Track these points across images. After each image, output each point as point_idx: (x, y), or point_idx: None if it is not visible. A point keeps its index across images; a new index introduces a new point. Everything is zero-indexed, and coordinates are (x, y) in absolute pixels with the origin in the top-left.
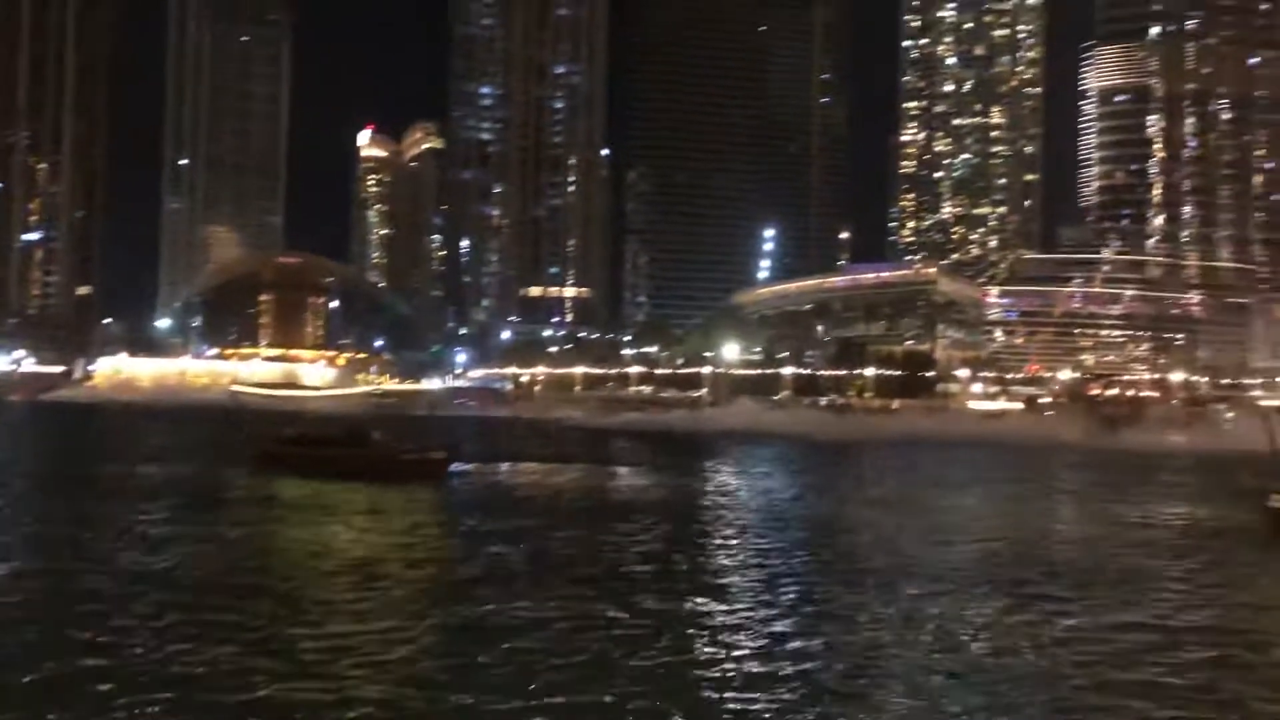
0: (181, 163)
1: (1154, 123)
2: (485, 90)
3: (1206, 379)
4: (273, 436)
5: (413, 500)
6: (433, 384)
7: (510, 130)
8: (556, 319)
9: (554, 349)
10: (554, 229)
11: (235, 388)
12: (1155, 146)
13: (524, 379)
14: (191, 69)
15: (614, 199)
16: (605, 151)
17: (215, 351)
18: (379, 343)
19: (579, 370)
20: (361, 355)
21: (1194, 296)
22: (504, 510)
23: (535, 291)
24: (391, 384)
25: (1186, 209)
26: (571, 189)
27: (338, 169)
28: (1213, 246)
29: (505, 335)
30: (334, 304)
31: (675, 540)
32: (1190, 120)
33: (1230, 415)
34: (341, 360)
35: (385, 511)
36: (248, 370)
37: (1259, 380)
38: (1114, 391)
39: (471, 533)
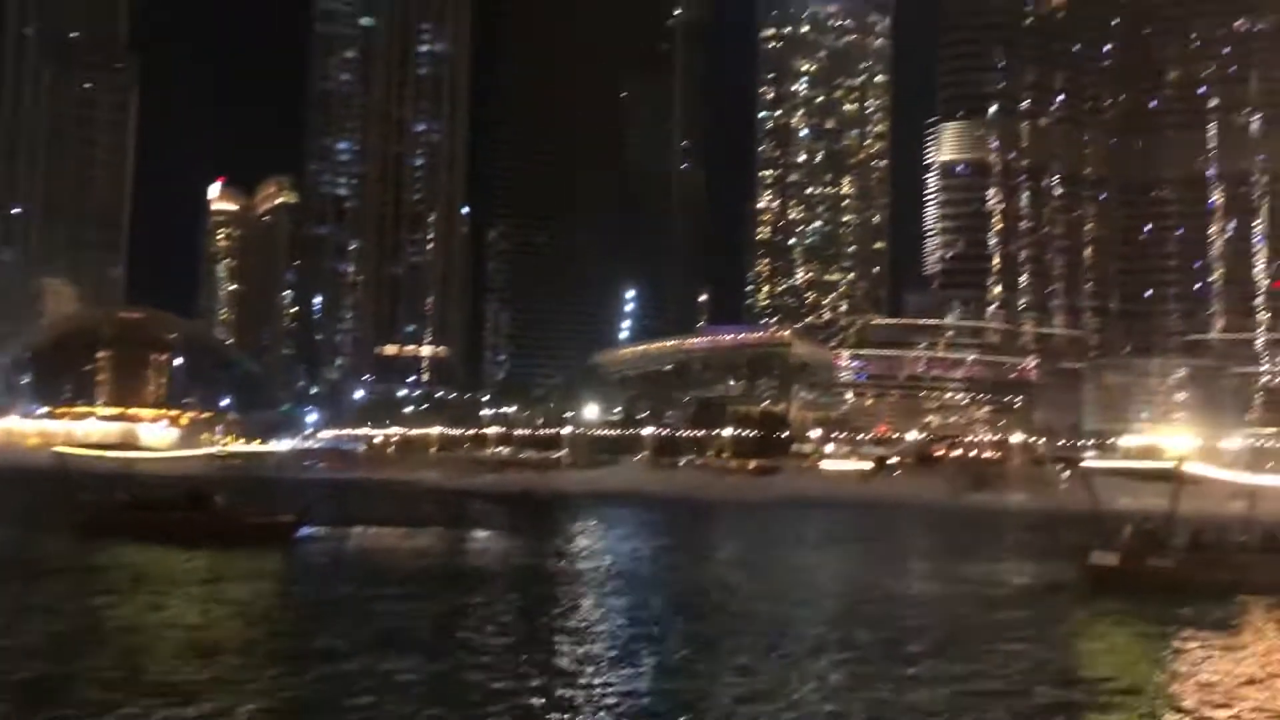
0: (15, 211)
1: (992, 196)
2: (343, 146)
3: (1043, 440)
4: (104, 500)
5: (257, 567)
6: (282, 445)
7: (368, 186)
8: (412, 378)
9: (409, 409)
10: (412, 286)
11: (61, 448)
12: (994, 219)
13: (377, 440)
14: (28, 114)
15: (474, 257)
16: (465, 209)
17: (47, 410)
18: (225, 401)
19: (435, 431)
20: (206, 414)
21: (1031, 361)
22: (353, 577)
23: (391, 350)
24: (238, 444)
25: (1023, 278)
26: (430, 246)
27: (186, 222)
28: (1047, 314)
29: (359, 395)
30: (177, 361)
31: (527, 607)
32: (1025, 194)
33: (1065, 475)
34: (184, 420)
35: (226, 579)
36: (82, 430)
37: (1091, 442)
38: (958, 452)
39: (316, 602)
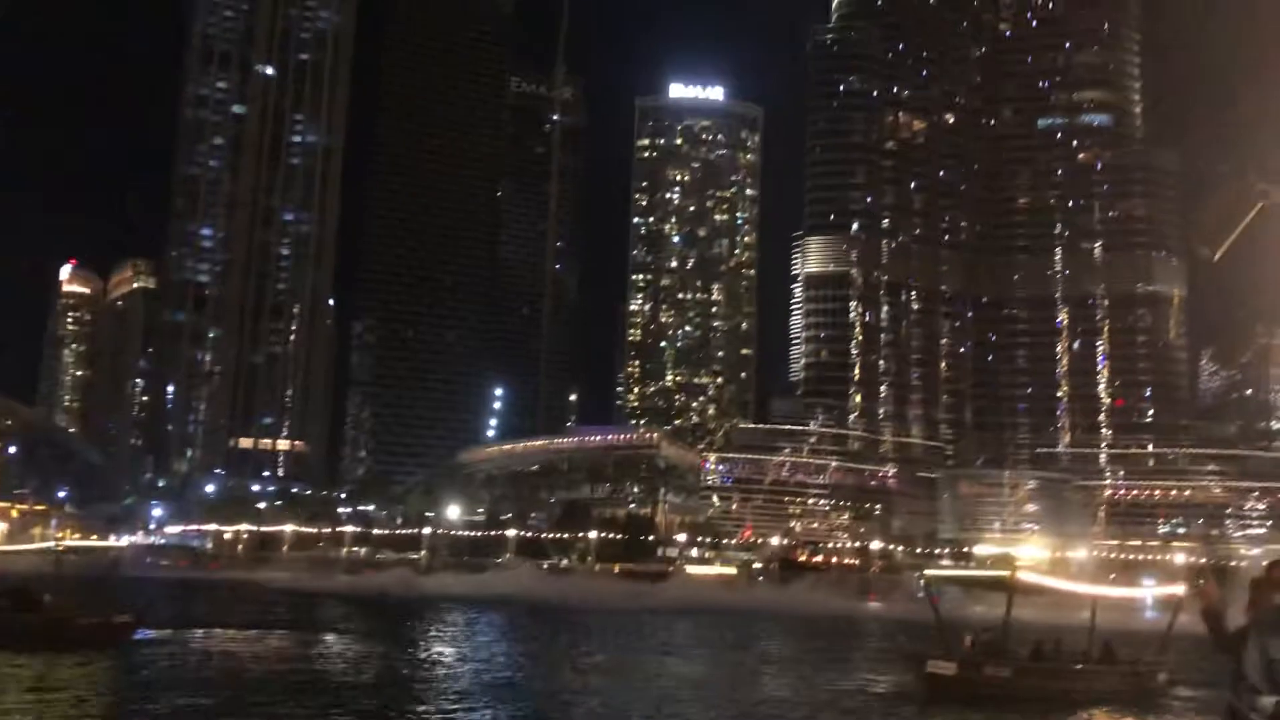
0: None
1: (854, 308)
2: (207, 232)
3: (900, 548)
4: None
5: (87, 672)
6: (123, 540)
7: (231, 274)
8: (267, 473)
9: (262, 505)
10: (271, 377)
11: None
12: (855, 330)
13: (226, 537)
14: None
15: (339, 350)
16: (332, 301)
17: None
18: (63, 493)
19: (288, 528)
20: (41, 507)
21: (890, 469)
22: (191, 685)
23: (246, 443)
24: (75, 539)
25: (883, 388)
26: (293, 337)
27: (34, 305)
28: (906, 424)
29: (209, 489)
30: (11, 449)
31: (376, 717)
32: (886, 308)
33: (920, 582)
34: (15, 512)
35: (52, 686)
36: None
37: (946, 550)
38: (819, 558)
39: (148, 713)
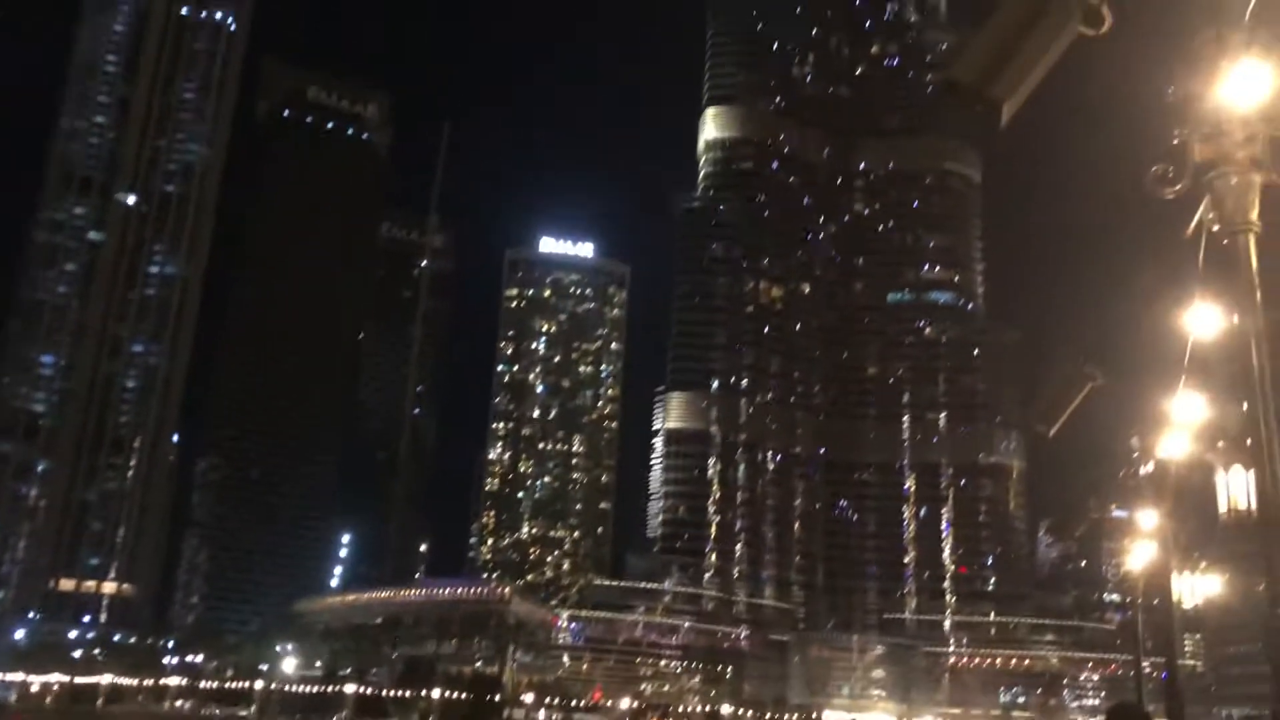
0: None
1: (712, 466)
2: (47, 359)
3: (750, 712)
4: None
5: None
6: None
7: (70, 404)
8: (88, 618)
9: (79, 653)
10: (102, 515)
11: None
12: (712, 488)
13: (34, 687)
14: None
15: (178, 488)
16: (176, 437)
17: None
18: None
19: (105, 679)
20: None
21: (742, 631)
22: None
23: (67, 584)
24: None
25: (738, 548)
26: (130, 474)
27: None
28: (759, 585)
29: (19, 635)
30: None
31: None
32: (742, 467)
33: None
34: None
35: None
36: None
37: (795, 715)
38: None
39: None
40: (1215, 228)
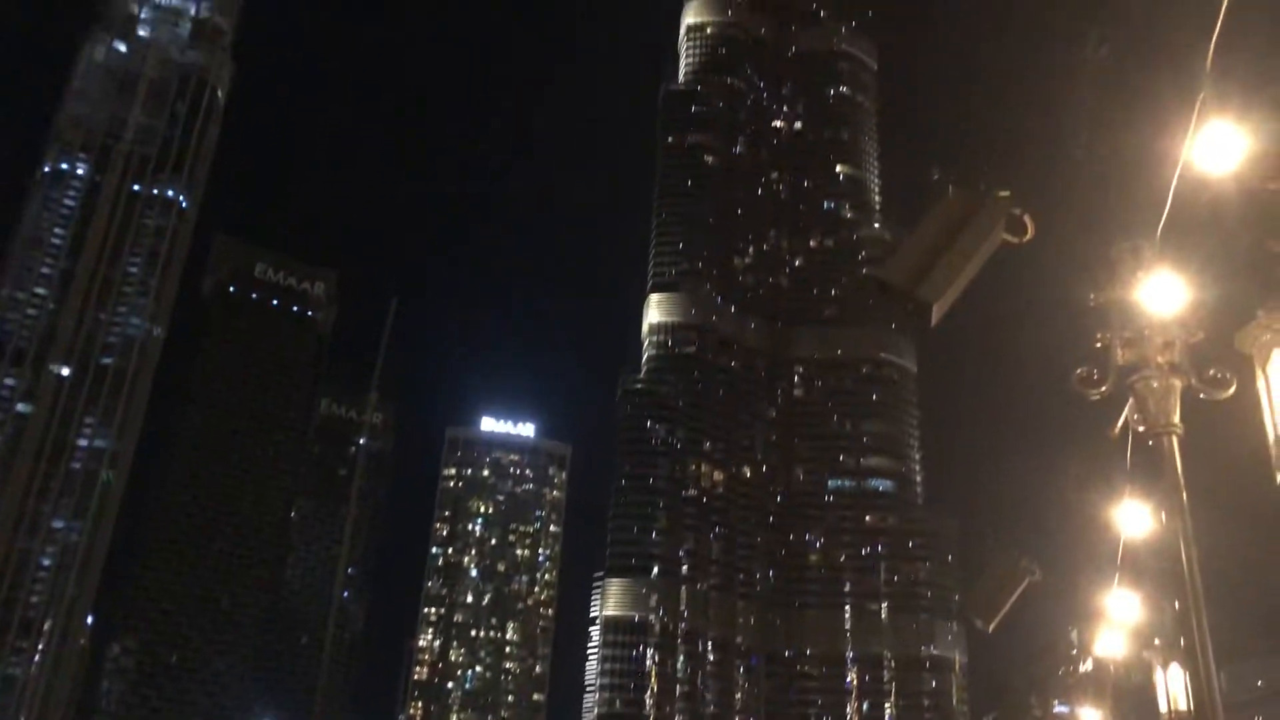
0: None
1: (650, 656)
2: None
3: None
4: None
5: None
6: None
7: None
8: None
9: None
10: (4, 705)
11: None
12: (650, 679)
13: None
14: None
15: (88, 673)
16: (90, 619)
17: None
18: None
19: None
20: None
21: None
22: None
23: None
24: None
25: None
26: (37, 658)
27: None
28: None
29: None
30: None
31: None
32: (682, 656)
33: None
34: None
35: None
36: None
37: None
38: None
39: None
40: (1140, 428)
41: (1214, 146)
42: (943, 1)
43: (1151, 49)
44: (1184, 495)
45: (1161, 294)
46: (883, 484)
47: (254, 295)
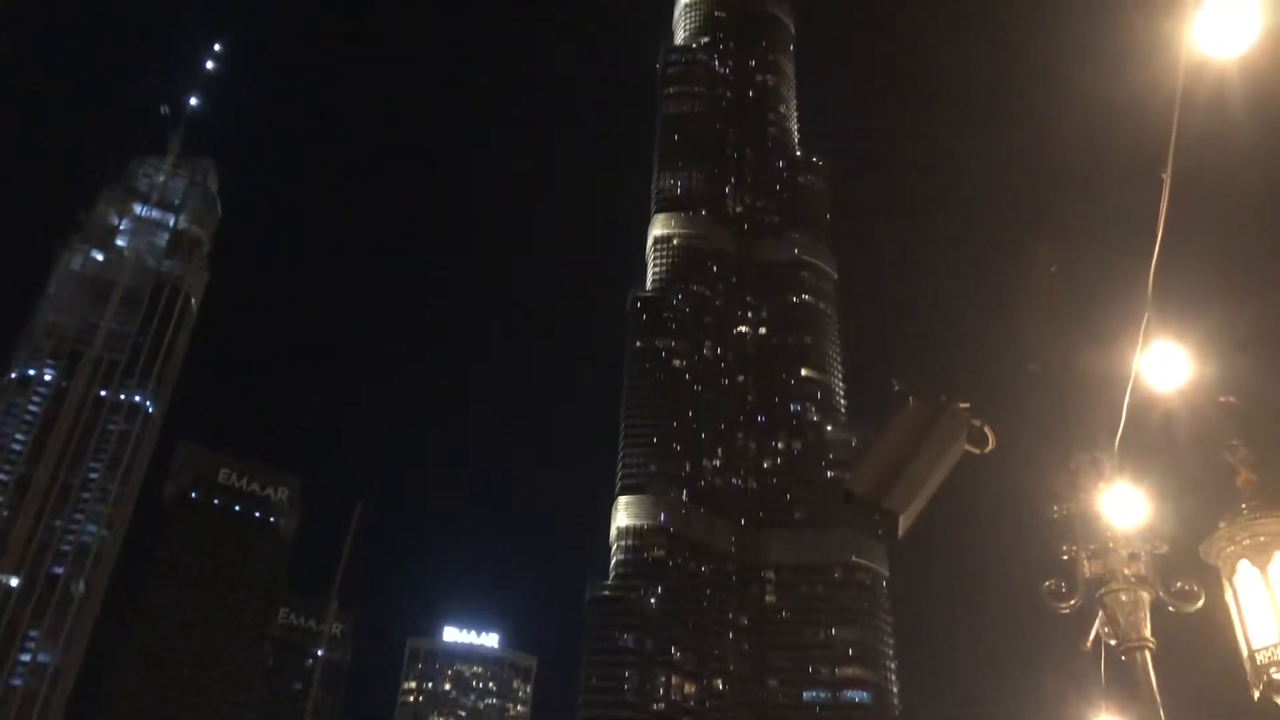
0: None
1: None
2: None
3: None
4: None
5: None
6: None
7: None
8: None
9: None
10: None
11: None
12: None
13: None
14: None
15: None
16: None
17: None
18: None
19: None
20: None
21: None
22: None
23: None
24: None
25: None
26: None
27: None
28: None
29: None
30: None
31: None
32: None
33: None
34: None
35: None
36: None
37: None
38: None
39: None
40: (1112, 641)
41: (1160, 365)
42: (897, 220)
43: (1099, 269)
44: (1160, 710)
45: (1124, 506)
46: (858, 695)
47: (215, 501)
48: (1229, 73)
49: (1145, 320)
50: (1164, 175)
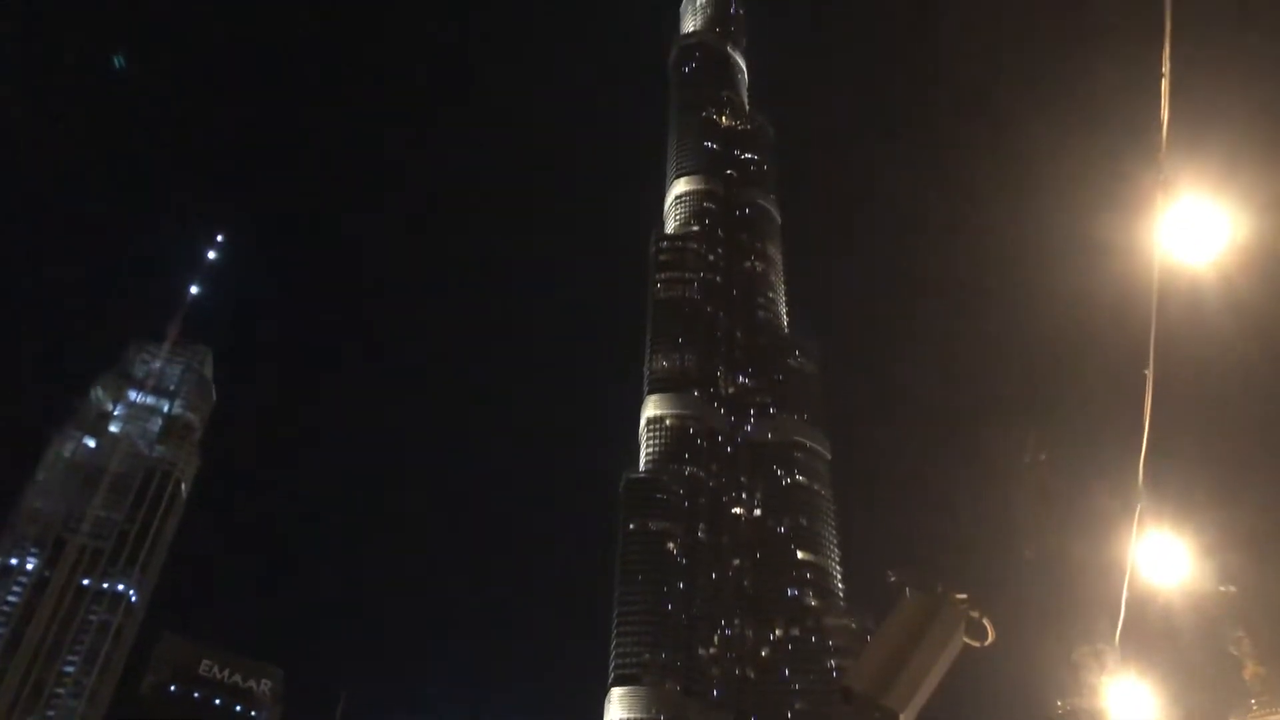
0: None
1: None
2: None
3: None
4: None
5: None
6: None
7: None
8: None
9: None
10: None
11: None
12: None
13: None
14: None
15: None
16: None
17: None
18: None
19: None
20: None
21: None
22: None
23: None
24: None
25: None
26: None
27: None
28: None
29: None
30: None
31: None
32: None
33: None
34: None
35: None
36: None
37: None
38: None
39: None
40: None
41: (1157, 557)
42: (889, 402)
43: (1091, 459)
44: None
45: (1130, 701)
46: None
47: (195, 694)
48: (1202, 276)
49: (1138, 511)
50: (1146, 371)
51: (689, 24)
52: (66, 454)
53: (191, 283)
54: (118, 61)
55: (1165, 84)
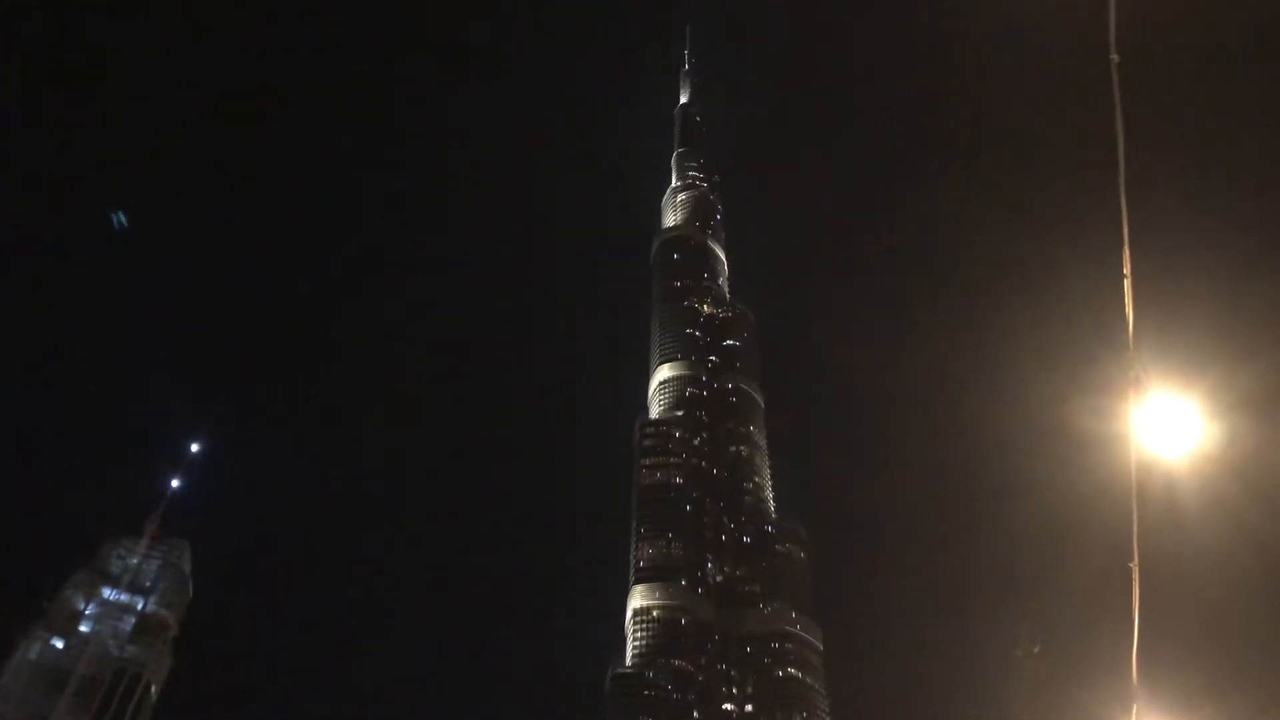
0: None
1: None
2: None
3: None
4: None
5: None
6: None
7: None
8: None
9: None
10: None
11: None
12: None
13: None
14: None
15: None
16: None
17: None
18: None
19: None
20: None
21: None
22: None
23: None
24: None
25: None
26: None
27: None
28: None
29: None
30: None
31: None
32: None
33: None
34: None
35: None
36: None
37: None
38: None
39: None
40: None
41: None
42: (881, 585)
43: (1082, 652)
44: None
45: None
46: None
47: None
48: (1177, 471)
49: (1134, 712)
50: (1131, 565)
51: (669, 219)
52: (32, 656)
53: (173, 476)
54: (117, 220)
55: (1127, 285)
